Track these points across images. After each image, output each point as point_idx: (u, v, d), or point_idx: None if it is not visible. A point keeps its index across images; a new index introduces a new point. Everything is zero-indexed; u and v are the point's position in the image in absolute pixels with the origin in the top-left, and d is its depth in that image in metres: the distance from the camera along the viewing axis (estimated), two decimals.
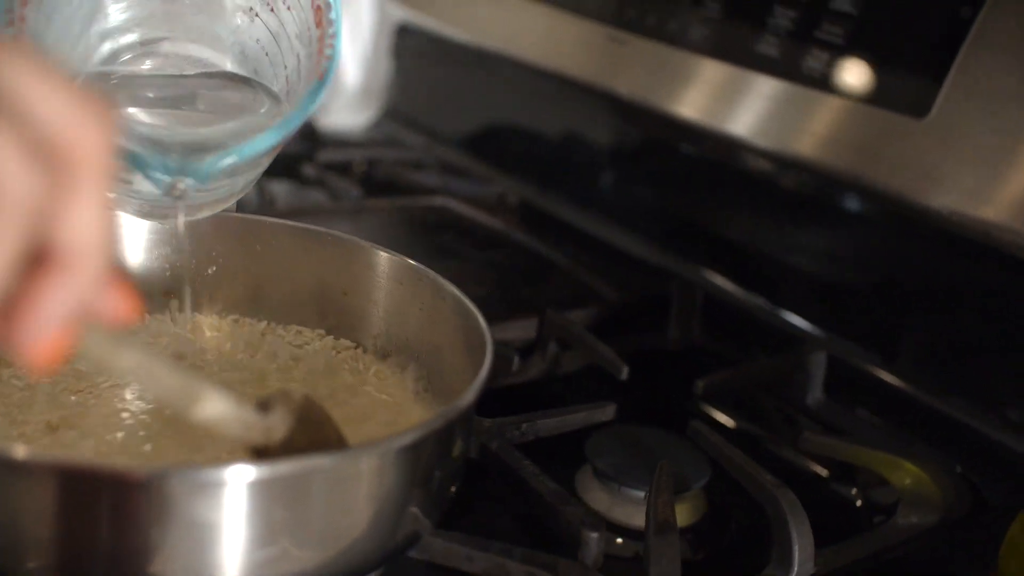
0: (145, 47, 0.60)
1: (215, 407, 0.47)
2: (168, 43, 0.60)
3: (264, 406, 0.50)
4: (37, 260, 0.37)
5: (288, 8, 0.58)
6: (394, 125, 1.31)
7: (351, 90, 1.35)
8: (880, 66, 0.82)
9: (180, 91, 0.58)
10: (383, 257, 0.64)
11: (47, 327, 0.37)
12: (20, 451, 0.44)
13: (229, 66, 0.60)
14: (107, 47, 0.60)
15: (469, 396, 0.51)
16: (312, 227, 0.66)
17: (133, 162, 0.51)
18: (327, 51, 0.55)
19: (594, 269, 0.96)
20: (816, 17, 0.86)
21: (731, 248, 0.97)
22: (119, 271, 0.41)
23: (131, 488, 0.44)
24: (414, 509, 0.51)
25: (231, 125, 0.56)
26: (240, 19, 0.59)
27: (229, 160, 0.51)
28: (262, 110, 0.57)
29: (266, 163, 0.58)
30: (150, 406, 0.57)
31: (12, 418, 0.55)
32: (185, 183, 0.51)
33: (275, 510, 0.46)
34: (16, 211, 0.35)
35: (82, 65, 0.58)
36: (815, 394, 0.83)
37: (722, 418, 0.81)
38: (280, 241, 0.66)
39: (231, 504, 0.45)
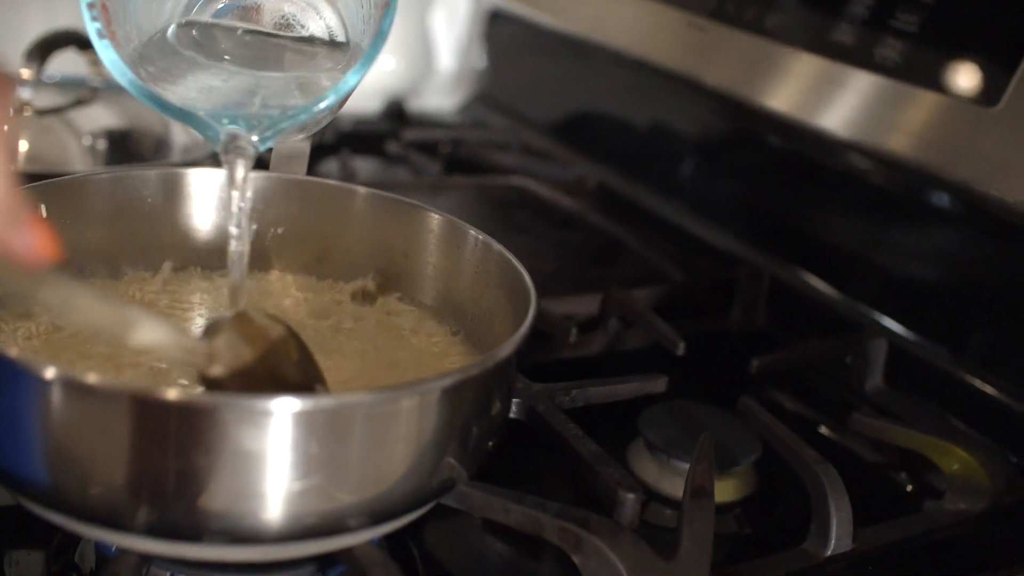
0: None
1: (150, 333, 0.48)
2: None
3: (212, 330, 0.51)
4: None
5: None
6: (482, 108, 1.33)
7: (443, 73, 1.39)
8: (952, 55, 0.82)
9: (255, 50, 0.60)
10: (436, 219, 0.67)
11: None
12: (88, 376, 0.47)
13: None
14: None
15: (507, 348, 0.53)
16: (373, 190, 0.69)
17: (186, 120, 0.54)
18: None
19: (665, 252, 0.97)
20: (891, 5, 0.86)
21: (802, 237, 0.97)
22: (33, 211, 0.41)
23: (189, 413, 0.46)
24: (450, 459, 0.52)
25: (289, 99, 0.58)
26: None
27: (288, 123, 0.53)
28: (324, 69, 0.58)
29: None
30: None
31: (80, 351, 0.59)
32: (240, 140, 0.53)
33: (312, 442, 0.48)
34: None
35: (170, 17, 0.61)
36: (874, 381, 0.84)
37: (778, 399, 0.81)
38: (343, 204, 0.69)
39: (275, 433, 0.47)
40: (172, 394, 0.46)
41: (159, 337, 0.49)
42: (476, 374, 0.51)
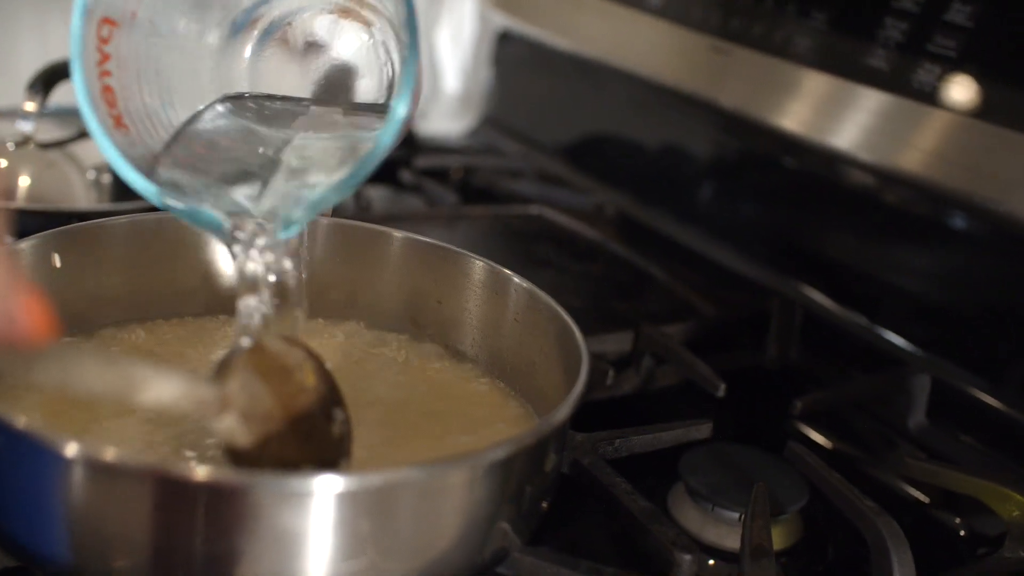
0: None
1: (159, 391, 0.45)
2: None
3: (224, 368, 0.49)
4: None
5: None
6: (492, 133, 1.31)
7: (450, 97, 1.36)
8: (991, 81, 0.79)
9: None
10: (479, 266, 0.64)
11: None
12: (112, 453, 0.44)
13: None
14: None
15: (563, 411, 0.50)
16: (408, 234, 0.66)
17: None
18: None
19: (691, 284, 0.95)
20: (928, 30, 0.83)
21: (832, 265, 0.95)
22: (33, 292, 0.39)
23: (221, 494, 0.44)
24: (504, 525, 0.50)
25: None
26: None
27: (298, 218, 0.51)
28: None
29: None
30: None
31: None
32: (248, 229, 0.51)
33: (361, 521, 0.45)
34: None
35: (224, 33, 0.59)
36: (917, 417, 0.81)
37: (819, 439, 0.79)
38: (375, 247, 0.66)
39: (318, 514, 0.45)
40: (201, 473, 0.44)
41: (169, 393, 0.46)
42: (532, 442, 0.48)
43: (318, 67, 0.61)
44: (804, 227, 0.98)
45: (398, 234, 0.66)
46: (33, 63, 0.99)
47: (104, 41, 0.51)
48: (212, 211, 0.51)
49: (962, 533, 0.71)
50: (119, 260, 0.63)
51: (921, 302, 0.88)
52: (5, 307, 0.37)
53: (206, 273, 0.66)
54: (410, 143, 1.20)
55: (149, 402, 0.46)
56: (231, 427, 0.49)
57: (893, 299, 0.90)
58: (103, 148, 0.50)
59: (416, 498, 0.46)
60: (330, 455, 0.51)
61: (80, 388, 0.44)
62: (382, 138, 0.49)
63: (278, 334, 0.51)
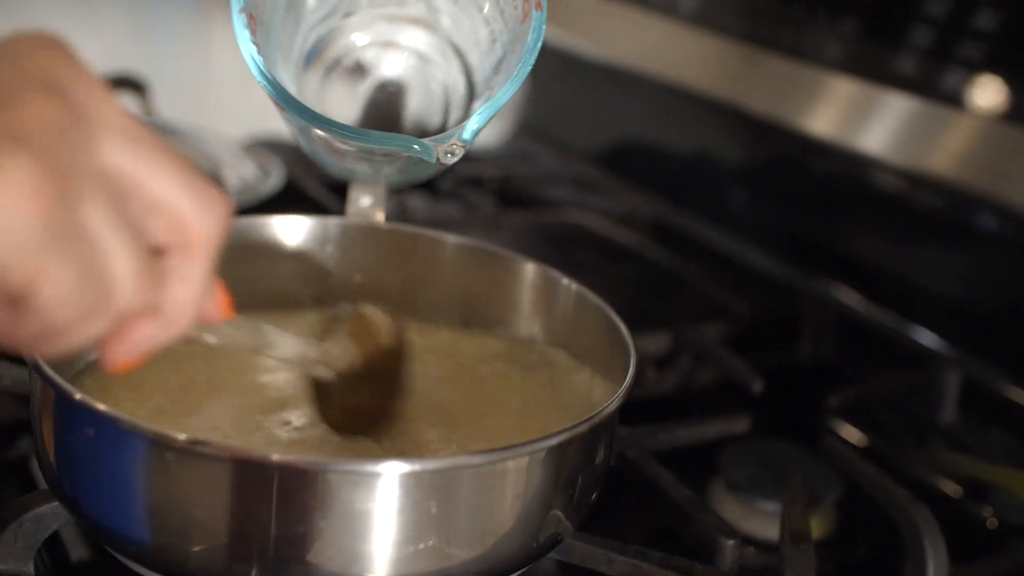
0: (342, 30, 0.64)
1: (284, 347, 0.53)
2: (361, 17, 0.64)
3: (326, 330, 0.57)
4: None
5: None
6: (527, 140, 1.33)
7: None
8: (1017, 83, 0.82)
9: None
10: (528, 267, 0.66)
11: (130, 353, 0.40)
12: (191, 438, 0.47)
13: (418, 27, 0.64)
14: (312, 38, 0.64)
15: (614, 403, 0.53)
16: (459, 238, 0.69)
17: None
18: None
19: (725, 285, 0.97)
20: (955, 35, 0.85)
21: (864, 265, 0.97)
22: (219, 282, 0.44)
23: (294, 476, 0.46)
24: (557, 512, 0.52)
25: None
26: None
27: (481, 123, 0.55)
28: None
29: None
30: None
31: (139, 388, 0.59)
32: (452, 150, 0.54)
33: (426, 503, 0.48)
34: (115, 306, 0.37)
35: (298, 66, 0.63)
36: (947, 412, 0.83)
37: (853, 434, 0.81)
38: (426, 251, 0.69)
39: (384, 495, 0.47)
40: (276, 456, 0.46)
41: (290, 349, 0.54)
42: (584, 431, 0.51)
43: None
44: (834, 228, 1.00)
45: (451, 238, 0.68)
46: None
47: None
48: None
49: (993, 524, 0.73)
50: None
51: (950, 300, 0.90)
52: (211, 297, 0.43)
53: (257, 273, 0.69)
54: None
55: (278, 355, 0.53)
56: (328, 376, 0.56)
57: (923, 298, 0.92)
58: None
59: (476, 482, 0.49)
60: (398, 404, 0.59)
61: (239, 346, 0.51)
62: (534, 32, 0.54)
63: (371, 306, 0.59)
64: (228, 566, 0.48)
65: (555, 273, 0.65)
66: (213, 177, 1.00)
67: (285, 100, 0.54)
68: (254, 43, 0.53)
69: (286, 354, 0.54)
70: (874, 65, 0.92)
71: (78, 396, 0.48)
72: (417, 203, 1.08)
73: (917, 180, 0.90)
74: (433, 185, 1.13)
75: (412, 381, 0.60)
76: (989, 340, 0.87)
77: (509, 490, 0.50)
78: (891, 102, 0.91)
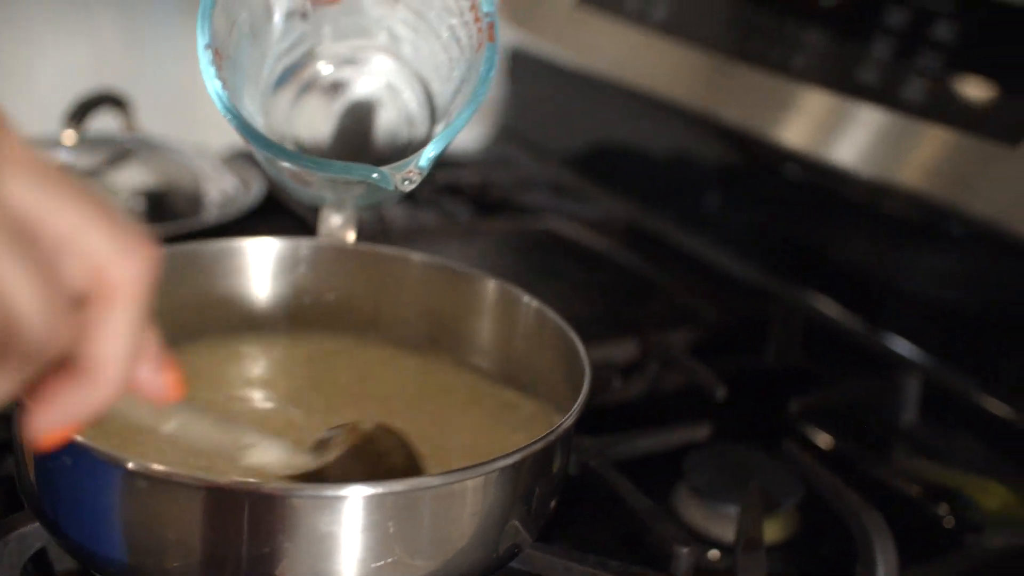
0: (309, 58, 0.67)
1: (263, 456, 0.51)
2: (326, 47, 0.67)
3: (322, 444, 0.54)
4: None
5: None
6: (508, 146, 1.35)
7: None
8: (975, 94, 0.84)
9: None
10: (490, 284, 0.69)
11: (57, 421, 0.37)
12: (166, 468, 0.49)
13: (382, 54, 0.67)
14: (279, 68, 0.67)
15: (568, 420, 0.55)
16: (424, 256, 0.71)
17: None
18: (484, 8, 0.59)
19: (696, 290, 0.99)
20: (916, 46, 0.88)
21: (832, 271, 0.99)
22: (163, 349, 0.41)
23: (263, 501, 0.49)
24: (515, 523, 0.55)
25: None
26: (381, 9, 0.65)
27: (438, 150, 0.57)
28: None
29: None
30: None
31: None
32: (409, 177, 0.56)
33: (387, 523, 0.50)
34: (33, 355, 0.34)
35: (265, 95, 0.65)
36: (910, 416, 0.85)
37: (819, 438, 0.83)
38: (394, 269, 0.71)
39: (349, 517, 0.50)
40: (246, 484, 0.49)
41: (272, 459, 0.52)
42: (540, 448, 0.53)
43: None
44: (805, 234, 1.02)
45: (416, 257, 0.71)
46: (53, 87, 1.05)
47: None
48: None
49: (950, 525, 0.75)
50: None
51: (918, 306, 0.92)
52: (152, 364, 0.40)
53: (231, 295, 0.71)
54: None
55: (253, 464, 0.51)
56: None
57: (892, 304, 0.94)
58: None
59: (435, 501, 0.52)
60: None
61: (195, 442, 0.50)
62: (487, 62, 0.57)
63: (375, 420, 0.58)
64: None
65: (516, 290, 0.67)
66: (194, 191, 1.02)
67: (249, 133, 0.56)
68: (219, 78, 0.56)
69: (265, 461, 0.52)
70: (840, 76, 0.94)
71: None
72: (396, 212, 1.11)
73: (883, 189, 0.92)
74: (412, 193, 1.15)
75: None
76: (956, 346, 0.89)
77: (468, 508, 0.53)
78: (858, 112, 0.92)
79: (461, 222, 1.10)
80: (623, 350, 0.85)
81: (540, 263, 1.04)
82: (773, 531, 0.73)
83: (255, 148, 0.57)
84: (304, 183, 0.64)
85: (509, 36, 1.34)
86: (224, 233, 0.83)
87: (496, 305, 0.69)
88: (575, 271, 1.03)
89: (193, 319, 0.69)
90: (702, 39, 1.08)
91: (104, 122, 1.04)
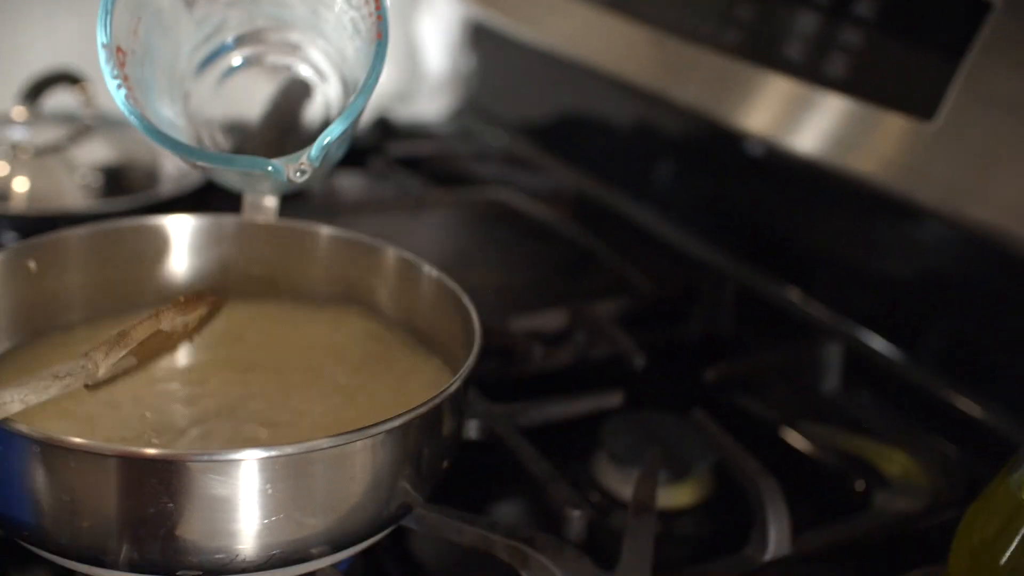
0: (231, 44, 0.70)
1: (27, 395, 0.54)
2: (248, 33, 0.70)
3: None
4: None
5: None
6: (470, 117, 1.38)
7: (431, 80, 1.43)
8: (894, 71, 0.86)
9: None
10: (391, 254, 0.72)
11: None
12: (74, 440, 0.52)
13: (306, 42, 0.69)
14: (199, 56, 0.69)
15: (454, 384, 0.58)
16: (336, 230, 0.74)
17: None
18: (377, 10, 0.60)
19: (636, 262, 1.02)
20: (837, 23, 0.89)
21: (772, 244, 1.01)
22: None
23: (163, 466, 0.52)
24: (404, 484, 0.58)
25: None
26: None
27: (325, 143, 0.58)
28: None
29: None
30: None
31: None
32: (301, 168, 0.58)
33: (279, 484, 0.53)
34: None
35: (186, 80, 0.68)
36: (831, 383, 0.88)
37: (739, 404, 0.86)
38: (313, 245, 0.74)
39: (244, 480, 0.53)
40: (151, 452, 0.53)
41: (35, 392, 0.55)
42: (425, 411, 0.56)
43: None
44: (745, 208, 1.04)
45: (325, 230, 0.74)
46: (42, 63, 1.08)
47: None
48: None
49: (860, 486, 0.78)
50: (86, 263, 0.72)
51: (848, 276, 0.94)
52: None
53: (160, 271, 0.75)
54: (385, 130, 1.27)
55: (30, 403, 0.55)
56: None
57: (824, 274, 0.96)
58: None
59: (325, 463, 0.54)
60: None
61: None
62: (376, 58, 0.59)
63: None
64: (107, 545, 0.54)
65: (411, 258, 0.71)
66: (151, 166, 1.05)
67: (148, 130, 0.58)
68: (120, 76, 0.58)
69: (31, 401, 0.55)
70: (767, 51, 0.96)
71: None
72: (349, 182, 1.13)
73: (822, 168, 0.93)
74: (367, 164, 1.18)
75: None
76: (877, 313, 0.91)
77: (356, 467, 0.55)
78: (779, 87, 0.94)
79: (412, 194, 1.12)
80: (552, 319, 0.88)
81: (486, 234, 1.06)
82: (685, 495, 0.76)
83: (157, 144, 0.59)
84: (216, 174, 0.67)
85: (472, 10, 1.36)
86: (178, 207, 0.86)
87: (398, 274, 0.72)
88: (520, 242, 1.06)
89: (120, 294, 0.73)
90: (648, 17, 1.09)
91: (64, 100, 1.07)
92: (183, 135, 0.65)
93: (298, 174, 0.58)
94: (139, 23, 0.61)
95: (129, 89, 0.58)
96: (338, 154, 0.70)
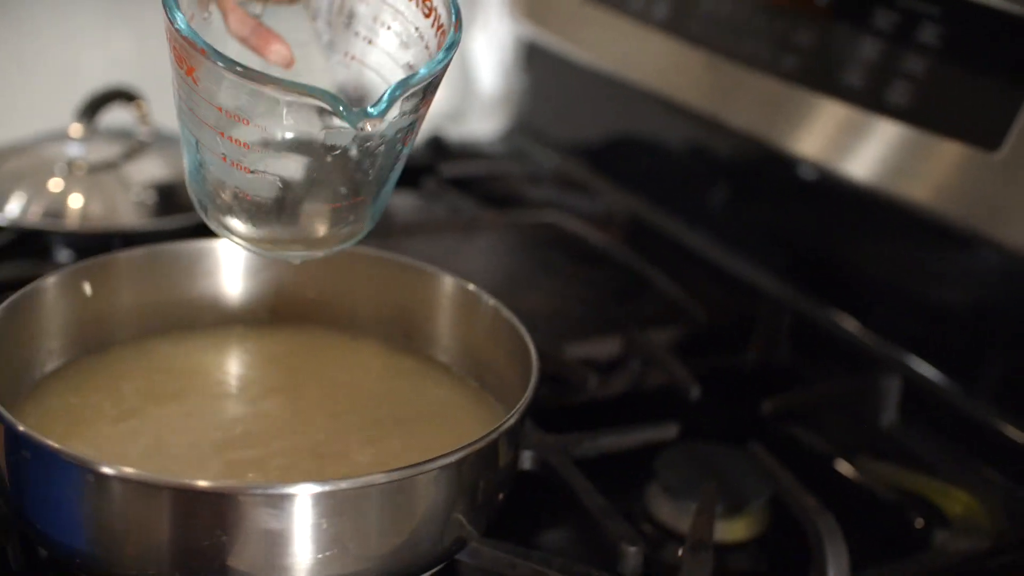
0: None
1: None
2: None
3: None
4: None
5: None
6: (522, 137, 1.37)
7: (486, 98, 1.43)
8: (957, 100, 0.84)
9: None
10: (448, 282, 0.72)
11: None
12: (131, 471, 0.53)
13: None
14: None
15: (512, 419, 0.58)
16: (392, 256, 0.74)
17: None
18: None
19: (690, 289, 1.00)
20: (901, 52, 0.88)
21: (828, 273, 0.99)
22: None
23: (217, 499, 0.52)
24: (459, 517, 0.57)
25: None
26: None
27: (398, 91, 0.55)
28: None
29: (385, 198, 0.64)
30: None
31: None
32: (371, 123, 0.54)
33: (334, 519, 0.53)
34: None
35: None
36: (889, 416, 0.86)
37: (795, 436, 0.84)
38: (368, 269, 0.74)
39: (299, 514, 0.53)
40: (204, 484, 0.52)
41: None
42: (482, 446, 0.56)
43: None
44: (803, 236, 1.02)
45: (380, 255, 0.74)
46: (99, 81, 1.08)
47: None
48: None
49: (919, 523, 0.76)
50: (139, 283, 0.72)
51: (907, 308, 0.92)
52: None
53: (212, 292, 0.75)
54: (438, 150, 1.27)
55: None
56: None
57: (883, 305, 0.94)
58: None
59: (379, 497, 0.54)
60: None
61: None
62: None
63: None
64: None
65: (471, 288, 0.70)
66: None
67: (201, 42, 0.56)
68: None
69: None
70: (832, 80, 0.94)
71: (21, 428, 0.54)
72: (401, 202, 1.12)
73: (883, 196, 0.91)
74: (420, 184, 1.18)
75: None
76: (941, 348, 0.89)
77: (410, 501, 0.55)
78: (861, 124, 0.92)
79: (464, 216, 1.11)
80: (606, 347, 0.87)
81: (538, 258, 1.06)
82: (739, 530, 0.74)
83: (213, 64, 0.56)
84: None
85: (526, 30, 1.35)
86: None
87: (454, 302, 0.71)
88: (572, 267, 1.05)
89: (172, 315, 0.73)
90: (701, 40, 1.08)
91: (120, 118, 1.07)
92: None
93: (362, 127, 0.54)
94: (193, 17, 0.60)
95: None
96: (387, 190, 0.67)
